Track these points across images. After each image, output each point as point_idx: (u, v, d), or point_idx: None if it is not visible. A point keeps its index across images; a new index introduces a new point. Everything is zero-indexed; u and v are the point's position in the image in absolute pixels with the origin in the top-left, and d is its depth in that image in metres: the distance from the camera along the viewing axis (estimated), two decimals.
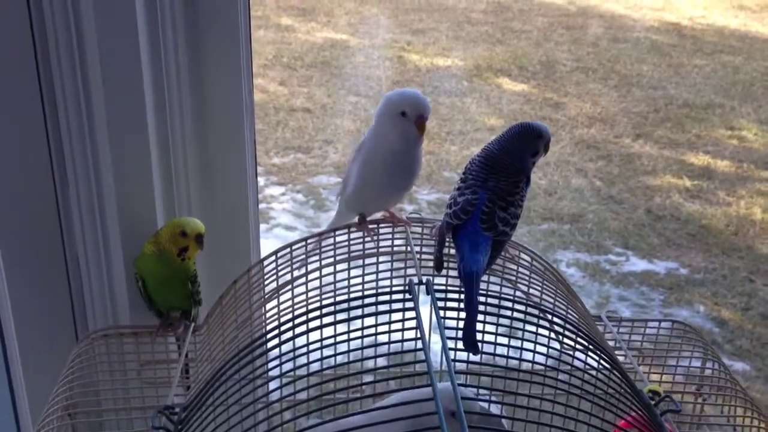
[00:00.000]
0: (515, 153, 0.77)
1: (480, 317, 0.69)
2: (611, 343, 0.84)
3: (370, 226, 0.88)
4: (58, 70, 0.84)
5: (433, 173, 3.40)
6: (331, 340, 0.65)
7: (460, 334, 0.64)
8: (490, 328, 0.72)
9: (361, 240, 0.86)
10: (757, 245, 2.97)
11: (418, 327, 0.56)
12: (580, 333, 0.66)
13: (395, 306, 0.60)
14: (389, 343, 0.75)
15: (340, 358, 0.74)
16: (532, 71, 4.72)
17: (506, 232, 0.74)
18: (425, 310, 0.61)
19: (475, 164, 0.78)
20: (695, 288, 2.71)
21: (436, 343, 0.68)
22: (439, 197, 3.21)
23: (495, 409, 0.85)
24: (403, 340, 0.60)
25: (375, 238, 0.87)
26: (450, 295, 0.63)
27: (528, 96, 4.36)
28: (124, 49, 0.83)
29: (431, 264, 0.78)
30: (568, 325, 0.67)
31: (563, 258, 2.86)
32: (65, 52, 0.83)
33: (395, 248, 0.85)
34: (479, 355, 0.68)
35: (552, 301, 0.74)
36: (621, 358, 0.79)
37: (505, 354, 0.71)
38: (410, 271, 0.86)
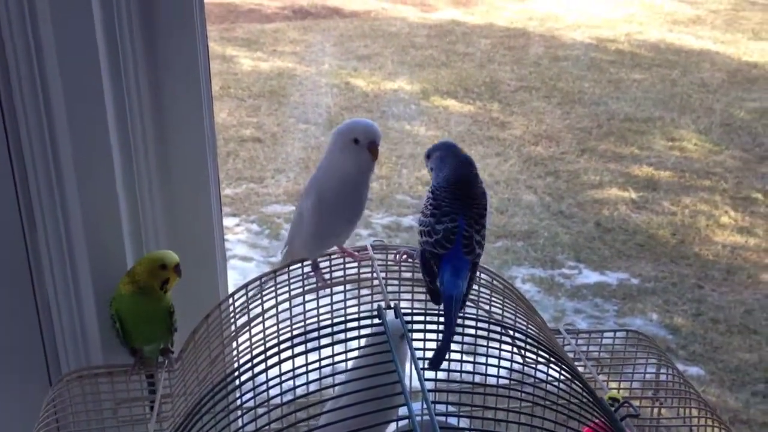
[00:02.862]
0: (477, 177, 0.81)
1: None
2: (571, 355, 0.87)
3: (326, 276, 0.89)
4: (21, 100, 0.84)
5: (387, 197, 3.43)
6: (303, 369, 0.67)
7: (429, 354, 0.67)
8: (455, 346, 0.75)
9: (328, 269, 0.89)
10: (704, 252, 3.06)
11: (391, 350, 0.59)
12: (541, 347, 0.69)
13: (365, 331, 0.62)
14: (360, 372, 0.78)
15: (313, 386, 0.76)
16: (477, 92, 4.81)
17: (480, 253, 0.77)
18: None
19: (448, 190, 0.79)
20: (647, 297, 2.78)
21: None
22: (393, 220, 3.24)
23: (465, 422, 0.88)
24: (376, 366, 0.62)
25: (330, 281, 0.89)
26: (418, 318, 0.66)
27: (475, 117, 4.44)
28: (87, 87, 0.84)
29: (396, 289, 0.80)
30: (529, 340, 0.70)
31: (518, 274, 2.91)
32: (27, 84, 0.84)
33: (361, 275, 0.88)
34: (447, 373, 0.71)
35: (513, 317, 0.78)
36: (581, 369, 0.83)
37: (471, 371, 0.75)
38: (378, 296, 0.88)
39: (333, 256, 0.91)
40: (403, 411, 0.58)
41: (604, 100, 4.71)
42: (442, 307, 0.72)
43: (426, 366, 0.67)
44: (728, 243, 3.13)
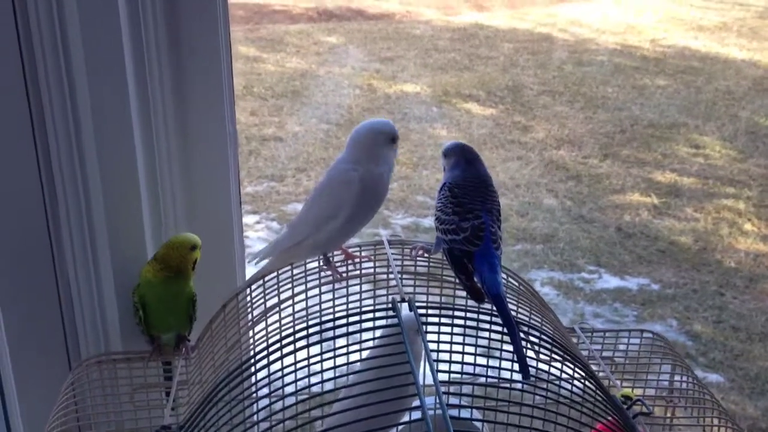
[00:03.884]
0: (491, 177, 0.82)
1: (459, 331, 0.72)
2: (584, 353, 0.87)
3: (341, 269, 0.92)
4: (49, 104, 0.86)
5: (407, 198, 3.44)
6: (317, 358, 0.67)
7: (442, 356, 0.67)
8: (469, 340, 0.75)
9: (344, 263, 0.90)
10: (725, 259, 3.03)
11: (404, 342, 0.59)
12: (554, 344, 0.69)
13: (380, 323, 0.63)
14: (376, 362, 0.78)
15: (327, 376, 0.77)
16: (500, 96, 4.80)
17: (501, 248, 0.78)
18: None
19: (467, 188, 0.80)
20: (667, 303, 2.75)
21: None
22: (412, 221, 3.25)
23: (477, 416, 0.88)
24: (389, 358, 0.63)
25: (346, 275, 0.91)
26: (432, 311, 0.66)
27: (497, 120, 4.43)
28: (112, 83, 0.86)
29: (411, 283, 0.81)
30: (543, 337, 0.70)
31: (537, 277, 2.90)
32: (55, 83, 0.85)
33: (377, 270, 0.88)
34: (461, 368, 0.71)
35: (528, 315, 0.78)
36: (595, 368, 0.83)
37: (485, 365, 0.75)
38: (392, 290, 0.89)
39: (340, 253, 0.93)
40: (416, 404, 0.58)
41: (628, 106, 4.68)
42: (493, 307, 0.72)
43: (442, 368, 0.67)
44: (751, 251, 3.10)
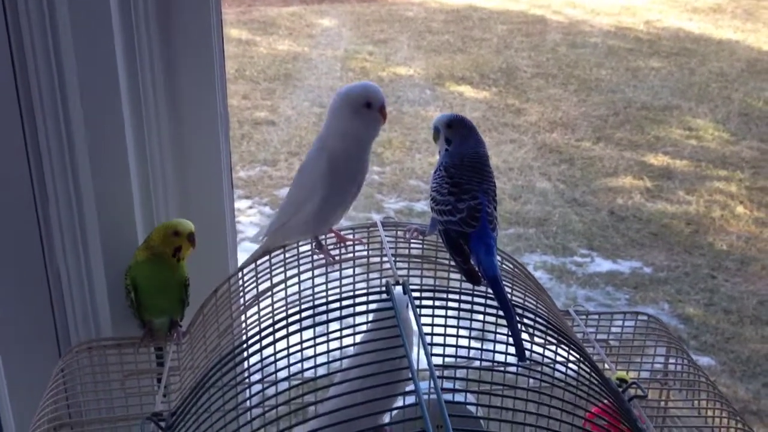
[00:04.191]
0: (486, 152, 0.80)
1: (454, 314, 0.71)
2: (579, 336, 0.87)
3: (333, 252, 0.88)
4: (36, 81, 0.85)
5: (400, 182, 3.43)
6: (311, 344, 0.67)
7: (436, 339, 0.66)
8: (464, 323, 0.74)
9: (336, 246, 0.88)
10: (717, 242, 3.04)
11: (398, 326, 0.58)
12: (549, 327, 0.69)
13: (372, 306, 0.62)
14: (366, 345, 0.77)
15: (321, 360, 0.76)
16: (493, 78, 4.78)
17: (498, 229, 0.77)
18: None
19: (463, 168, 0.78)
20: (659, 286, 2.76)
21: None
22: (405, 205, 3.24)
23: (471, 400, 0.88)
24: (384, 340, 0.62)
25: (340, 257, 0.88)
26: (426, 294, 0.65)
27: (490, 103, 4.41)
28: (102, 65, 0.85)
29: (405, 266, 0.80)
30: (538, 319, 0.70)
31: (530, 261, 2.90)
32: (43, 65, 0.84)
33: (370, 252, 0.87)
34: (455, 351, 0.71)
35: (522, 297, 0.77)
36: (590, 350, 0.82)
37: (479, 347, 0.74)
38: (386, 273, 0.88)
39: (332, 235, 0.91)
40: (410, 388, 0.58)
41: (621, 88, 4.67)
42: (487, 290, 0.71)
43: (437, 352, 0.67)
44: (743, 234, 3.11)
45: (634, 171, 3.63)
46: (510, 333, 0.67)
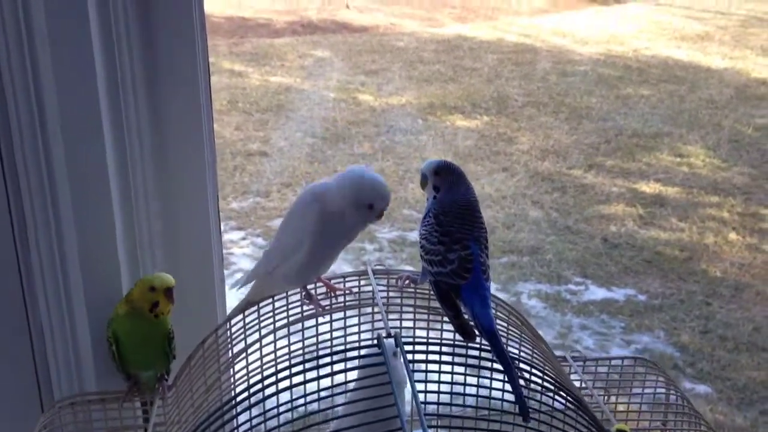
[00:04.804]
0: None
1: (448, 359, 0.69)
2: (577, 384, 0.85)
3: (323, 302, 0.86)
4: (18, 128, 0.83)
5: (393, 211, 3.42)
6: (302, 401, 0.65)
7: (431, 387, 0.65)
8: (459, 369, 0.72)
9: (327, 295, 0.86)
10: (711, 269, 3.04)
11: (390, 382, 0.57)
12: (546, 376, 0.67)
13: (366, 361, 0.61)
14: (358, 395, 0.76)
15: (312, 414, 0.74)
16: (485, 107, 4.80)
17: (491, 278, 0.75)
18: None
19: (454, 215, 0.75)
20: (654, 313, 2.75)
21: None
22: (399, 235, 3.23)
23: None
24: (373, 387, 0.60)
25: (330, 308, 0.86)
26: (419, 348, 0.64)
27: (482, 132, 4.43)
28: (84, 105, 0.82)
29: (398, 317, 0.78)
30: (534, 370, 0.68)
31: (524, 290, 2.89)
32: (24, 107, 0.82)
33: (362, 301, 0.85)
34: (450, 400, 0.69)
35: (518, 345, 0.76)
36: (588, 399, 0.81)
37: (475, 394, 0.73)
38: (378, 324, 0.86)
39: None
40: None
41: (612, 116, 4.70)
42: (482, 341, 0.69)
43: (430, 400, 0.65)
44: (736, 260, 3.11)
45: (627, 198, 3.63)
46: (512, 391, 0.64)
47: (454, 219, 0.75)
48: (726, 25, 6.87)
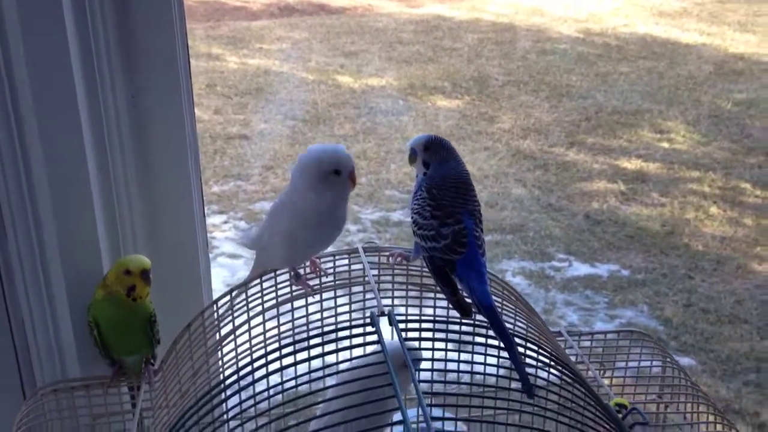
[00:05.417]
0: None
1: (443, 335, 0.68)
2: (573, 358, 0.84)
3: (312, 283, 0.85)
4: None
5: (375, 192, 3.41)
6: (292, 383, 0.63)
7: (425, 365, 0.63)
8: (453, 346, 0.71)
9: (316, 274, 0.84)
10: (693, 243, 3.05)
11: (386, 360, 0.55)
12: (542, 350, 0.66)
13: (358, 340, 0.59)
14: (353, 375, 0.74)
15: (304, 392, 0.73)
16: (465, 87, 4.78)
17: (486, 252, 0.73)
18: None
19: (447, 189, 0.73)
20: (637, 288, 2.76)
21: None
22: (382, 216, 3.22)
23: (462, 428, 0.85)
24: (367, 367, 0.59)
25: (319, 288, 0.85)
26: (412, 325, 0.62)
27: (463, 111, 4.41)
28: (59, 89, 0.80)
29: (389, 294, 0.76)
30: (529, 344, 0.67)
31: (509, 267, 2.89)
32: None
33: (353, 279, 0.83)
34: (444, 378, 0.68)
35: (512, 320, 0.74)
36: (584, 372, 0.80)
37: (469, 371, 0.71)
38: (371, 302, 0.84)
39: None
40: (398, 418, 0.55)
41: (592, 94, 4.70)
42: (475, 317, 0.67)
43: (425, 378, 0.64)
44: (717, 234, 3.13)
45: (608, 175, 3.64)
46: (515, 367, 0.62)
47: (447, 193, 0.73)
48: (703, 1, 6.88)
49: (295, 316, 0.83)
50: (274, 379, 0.61)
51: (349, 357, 0.63)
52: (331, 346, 0.61)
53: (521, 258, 2.95)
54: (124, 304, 0.82)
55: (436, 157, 0.75)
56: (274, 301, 0.81)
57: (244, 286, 0.82)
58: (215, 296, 0.85)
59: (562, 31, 6.00)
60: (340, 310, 0.84)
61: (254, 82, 4.81)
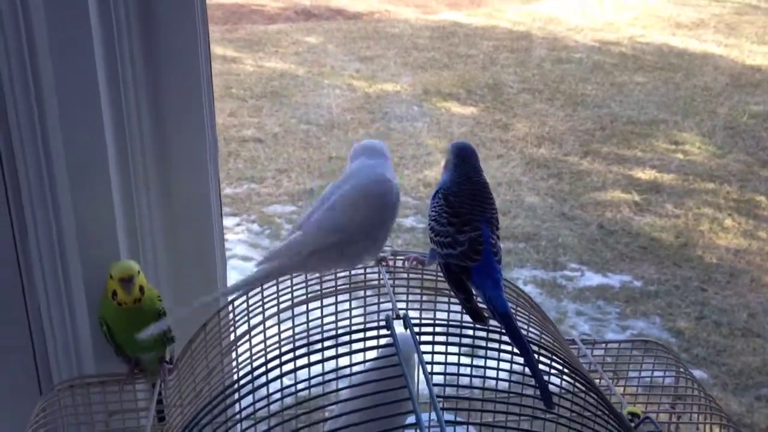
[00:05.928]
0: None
1: (455, 340, 0.68)
2: (586, 367, 0.84)
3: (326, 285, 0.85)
4: (14, 113, 0.81)
5: None
6: (306, 384, 0.63)
7: (438, 369, 0.64)
8: (466, 351, 0.71)
9: (332, 276, 0.85)
10: (707, 255, 3.04)
11: (400, 363, 0.56)
12: (555, 357, 0.66)
13: (373, 343, 0.59)
14: (367, 377, 0.74)
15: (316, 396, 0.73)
16: (480, 94, 4.78)
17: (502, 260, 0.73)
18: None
19: (464, 195, 0.74)
20: (650, 300, 2.75)
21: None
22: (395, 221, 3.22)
23: None
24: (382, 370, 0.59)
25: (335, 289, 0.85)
26: (426, 329, 0.62)
27: (477, 118, 4.41)
28: (83, 91, 0.81)
29: (404, 298, 0.76)
30: (542, 350, 0.67)
31: (520, 276, 2.89)
32: (22, 97, 0.80)
33: (369, 282, 0.84)
34: (456, 383, 0.68)
35: (526, 328, 0.74)
36: (597, 381, 0.80)
37: (482, 376, 0.71)
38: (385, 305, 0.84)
39: None
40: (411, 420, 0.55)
41: (607, 103, 4.69)
42: (489, 324, 0.67)
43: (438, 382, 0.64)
44: (731, 246, 3.11)
45: (622, 185, 3.63)
46: (533, 377, 0.62)
47: (464, 200, 0.73)
48: (721, 12, 6.85)
49: (310, 317, 0.83)
50: (288, 380, 0.61)
51: (362, 360, 0.63)
52: (345, 349, 0.61)
53: (533, 267, 2.94)
54: (126, 305, 0.83)
55: (458, 162, 0.76)
56: (289, 303, 0.82)
57: (260, 287, 0.83)
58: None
59: (578, 40, 5.99)
60: (354, 313, 0.85)
61: (269, 85, 4.83)
